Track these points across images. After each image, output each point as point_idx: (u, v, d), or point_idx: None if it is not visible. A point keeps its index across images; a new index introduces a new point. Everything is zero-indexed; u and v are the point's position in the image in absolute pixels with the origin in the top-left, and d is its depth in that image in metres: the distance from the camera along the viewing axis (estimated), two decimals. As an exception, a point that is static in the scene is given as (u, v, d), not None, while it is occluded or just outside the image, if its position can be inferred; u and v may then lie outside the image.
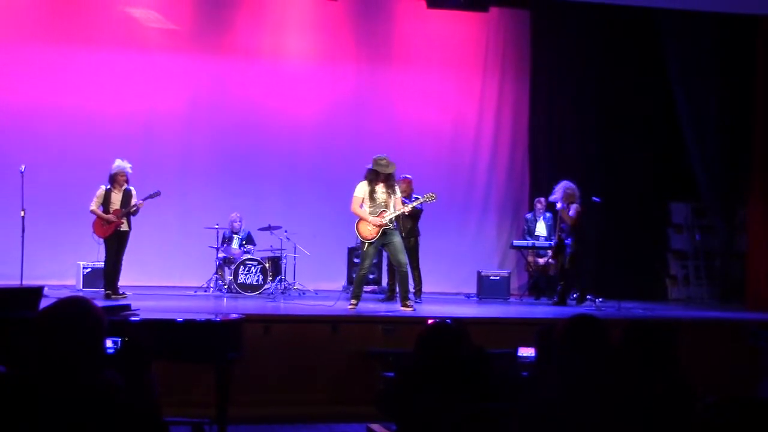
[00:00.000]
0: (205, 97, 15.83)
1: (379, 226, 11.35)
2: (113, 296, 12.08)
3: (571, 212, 13.42)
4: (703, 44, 15.32)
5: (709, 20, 14.82)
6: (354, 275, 13.60)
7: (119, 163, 12.57)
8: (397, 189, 11.76)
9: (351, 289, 12.27)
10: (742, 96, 15.15)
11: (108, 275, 12.39)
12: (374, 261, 11.82)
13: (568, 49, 16.59)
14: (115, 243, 12.42)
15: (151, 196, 12.65)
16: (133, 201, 12.56)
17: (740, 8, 13.95)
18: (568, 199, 13.46)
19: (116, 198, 12.47)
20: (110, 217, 12.36)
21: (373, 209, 11.42)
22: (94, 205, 12.44)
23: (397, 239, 11.57)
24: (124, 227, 12.51)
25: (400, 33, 16.66)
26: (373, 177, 11.53)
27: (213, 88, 15.88)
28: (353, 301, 11.51)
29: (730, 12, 14.26)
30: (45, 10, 15.24)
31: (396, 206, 11.54)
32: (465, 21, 16.66)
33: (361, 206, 11.48)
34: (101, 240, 12.53)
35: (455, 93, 16.86)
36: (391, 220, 11.46)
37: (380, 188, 11.52)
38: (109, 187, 12.50)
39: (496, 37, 17.00)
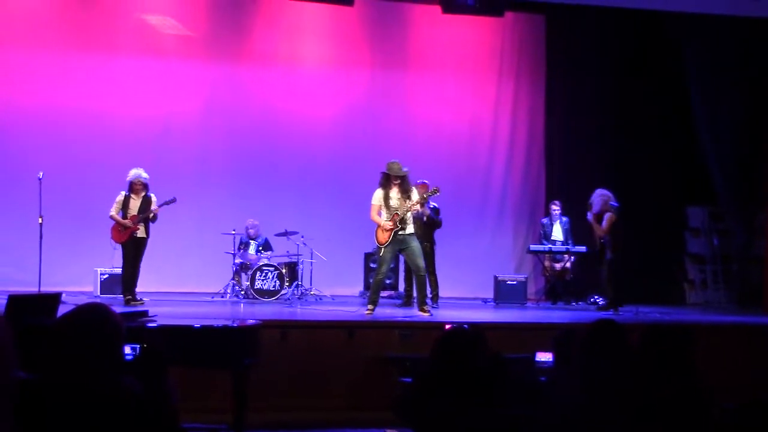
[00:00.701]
0: (221, 103, 15.86)
1: (390, 229, 11.44)
2: (132, 302, 12.09)
3: (604, 223, 13.48)
4: (720, 47, 15.28)
5: (725, 23, 14.77)
6: (371, 280, 13.65)
7: (134, 171, 12.57)
8: (414, 193, 11.73)
9: (368, 294, 12.30)
10: (759, 99, 15.11)
11: (125, 281, 12.42)
12: (391, 266, 11.78)
13: (584, 53, 16.56)
14: (132, 249, 12.44)
15: (166, 203, 12.64)
16: (152, 207, 12.55)
17: (753, 11, 13.90)
18: (604, 207, 13.47)
19: (134, 204, 12.48)
20: (126, 222, 12.38)
21: (389, 215, 11.50)
22: (114, 211, 12.48)
23: (414, 244, 11.63)
24: (141, 233, 12.50)
25: (415, 38, 16.67)
26: (386, 182, 11.61)
27: (229, 94, 15.90)
28: (370, 307, 11.57)
29: (744, 15, 14.21)
30: (63, 18, 15.28)
31: (411, 207, 11.56)
32: (480, 25, 16.64)
33: (379, 213, 11.56)
34: (118, 245, 12.56)
35: (470, 97, 16.85)
36: (402, 220, 11.47)
37: (394, 193, 11.60)
38: (128, 193, 12.54)
39: (512, 41, 16.99)
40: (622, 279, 14.24)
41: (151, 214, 12.50)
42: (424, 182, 13.34)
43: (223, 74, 15.95)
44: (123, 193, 12.56)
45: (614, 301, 13.53)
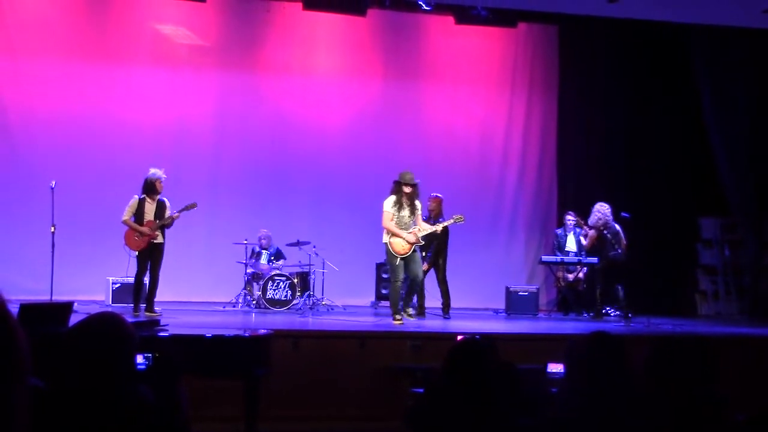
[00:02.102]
0: (234, 112, 15.91)
1: (412, 243, 11.67)
2: (147, 314, 11.68)
3: (586, 240, 14.21)
4: (732, 58, 15.28)
5: (737, 34, 14.77)
6: (383, 291, 13.73)
7: (155, 171, 12.13)
8: (418, 205, 11.97)
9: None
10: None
11: (139, 290, 12.08)
12: (405, 275, 11.85)
13: (597, 64, 16.58)
14: (150, 257, 12.03)
15: (186, 208, 12.18)
16: (167, 212, 12.11)
17: (766, 23, 13.90)
18: (597, 223, 13.80)
19: (150, 209, 12.03)
20: (144, 229, 11.94)
21: (399, 224, 11.72)
22: (127, 216, 12.02)
23: (416, 253, 11.86)
24: (159, 239, 12.06)
25: (428, 49, 16.69)
26: (398, 190, 11.75)
27: (242, 103, 15.95)
28: (397, 317, 11.65)
29: (757, 27, 14.20)
30: (76, 27, 15.36)
31: (417, 222, 11.86)
32: (493, 37, 16.67)
33: (392, 221, 11.67)
34: (133, 252, 12.14)
35: (483, 108, 16.88)
36: (423, 236, 11.85)
37: (405, 202, 11.78)
38: (143, 196, 12.08)
39: (524, 52, 17.02)
40: (633, 290, 14.26)
41: (169, 220, 12.06)
42: (438, 196, 13.40)
43: (237, 84, 16.00)
44: (136, 196, 12.12)
45: (599, 310, 14.00)
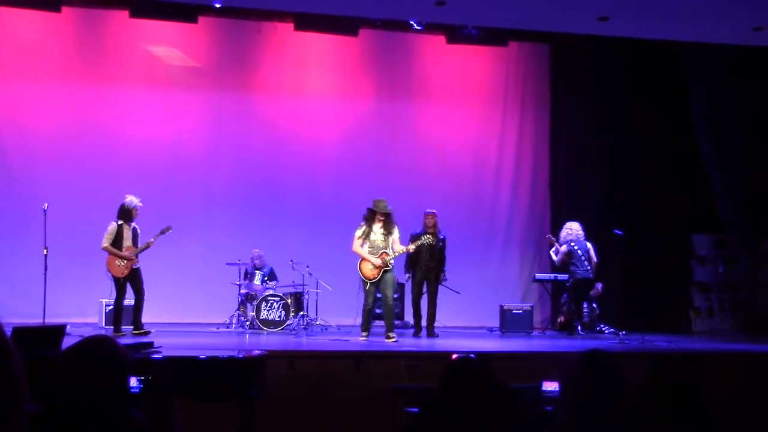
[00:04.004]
0: (227, 133, 15.92)
1: (379, 267, 12.01)
2: (136, 333, 11.99)
3: (557, 257, 14.35)
4: (726, 75, 15.36)
5: (728, 51, 14.83)
6: (377, 310, 13.79)
7: (133, 199, 12.45)
8: (395, 231, 12.26)
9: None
10: (762, 127, 15.14)
11: (120, 313, 12.29)
12: (377, 296, 12.32)
13: (588, 83, 16.63)
14: (132, 282, 12.34)
15: (162, 232, 12.50)
16: (140, 239, 12.50)
17: (755, 41, 13.94)
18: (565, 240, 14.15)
19: (128, 235, 12.35)
20: (126, 254, 12.27)
21: (371, 250, 12.05)
22: (107, 242, 12.28)
23: (389, 275, 12.16)
24: (137, 264, 12.41)
25: (420, 68, 16.73)
26: (371, 217, 12.17)
27: (235, 124, 15.96)
28: (364, 333, 12.15)
29: (746, 44, 14.26)
30: (69, 50, 15.38)
31: (395, 247, 12.15)
32: (484, 56, 16.73)
33: (362, 246, 12.04)
34: (113, 278, 12.41)
35: (476, 127, 16.90)
36: (391, 260, 12.08)
37: (378, 228, 12.13)
38: (120, 222, 12.38)
39: (516, 70, 17.06)
40: (627, 306, 14.28)
41: (147, 246, 12.42)
42: (433, 212, 13.43)
43: (229, 105, 16.01)
44: (114, 223, 12.38)
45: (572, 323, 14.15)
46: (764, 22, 12.92)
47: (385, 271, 12.08)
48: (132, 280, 12.36)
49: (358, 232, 12.22)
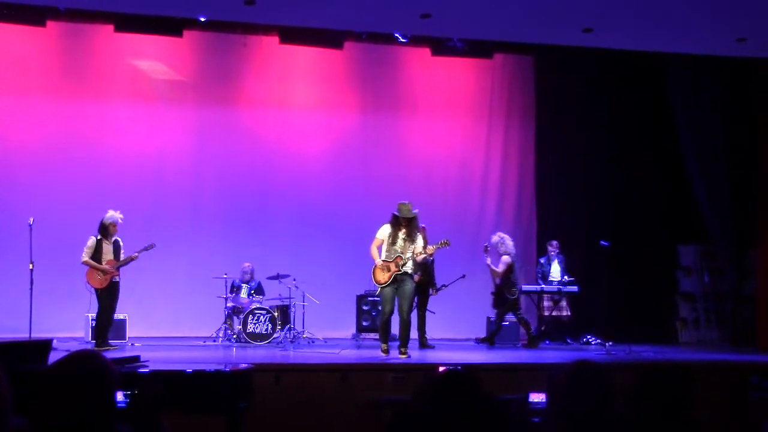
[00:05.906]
0: (212, 147, 15.89)
1: (392, 271, 11.44)
2: (101, 348, 11.94)
3: (500, 266, 14.40)
4: (706, 86, 15.40)
5: (709, 62, 14.89)
6: (364, 323, 13.77)
7: (112, 214, 12.70)
8: (419, 239, 11.70)
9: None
10: (749, 138, 15.20)
11: (103, 326, 12.45)
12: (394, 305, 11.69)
13: (573, 94, 16.65)
14: (110, 294, 12.56)
15: (145, 249, 12.72)
16: (122, 252, 12.70)
17: (737, 51, 14.00)
18: (501, 250, 14.34)
19: (107, 249, 12.62)
20: (106, 267, 12.50)
21: (389, 254, 11.50)
22: (86, 256, 12.58)
23: (407, 286, 11.55)
24: (117, 278, 12.64)
25: (405, 81, 16.75)
26: (396, 222, 11.61)
27: (220, 137, 15.93)
28: (383, 346, 11.60)
29: (728, 55, 14.32)
30: (53, 64, 15.33)
31: (415, 252, 11.55)
32: (470, 68, 16.76)
33: (379, 249, 11.59)
34: (94, 291, 12.61)
35: (461, 139, 16.92)
36: (404, 264, 11.47)
37: (401, 234, 11.57)
38: (99, 237, 12.64)
39: (501, 82, 17.08)
40: (614, 317, 14.29)
41: (128, 260, 12.64)
42: (422, 226, 13.38)
43: (215, 118, 15.99)
44: (93, 237, 12.66)
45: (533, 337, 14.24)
46: (746, 34, 12.99)
47: (403, 281, 11.49)
48: (108, 293, 12.54)
49: (380, 234, 11.65)
